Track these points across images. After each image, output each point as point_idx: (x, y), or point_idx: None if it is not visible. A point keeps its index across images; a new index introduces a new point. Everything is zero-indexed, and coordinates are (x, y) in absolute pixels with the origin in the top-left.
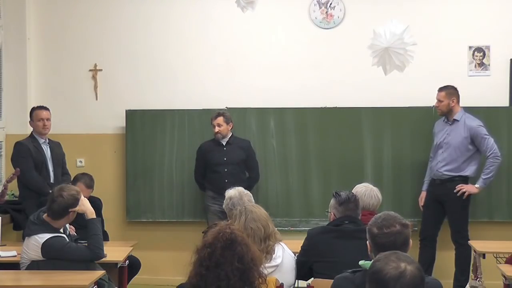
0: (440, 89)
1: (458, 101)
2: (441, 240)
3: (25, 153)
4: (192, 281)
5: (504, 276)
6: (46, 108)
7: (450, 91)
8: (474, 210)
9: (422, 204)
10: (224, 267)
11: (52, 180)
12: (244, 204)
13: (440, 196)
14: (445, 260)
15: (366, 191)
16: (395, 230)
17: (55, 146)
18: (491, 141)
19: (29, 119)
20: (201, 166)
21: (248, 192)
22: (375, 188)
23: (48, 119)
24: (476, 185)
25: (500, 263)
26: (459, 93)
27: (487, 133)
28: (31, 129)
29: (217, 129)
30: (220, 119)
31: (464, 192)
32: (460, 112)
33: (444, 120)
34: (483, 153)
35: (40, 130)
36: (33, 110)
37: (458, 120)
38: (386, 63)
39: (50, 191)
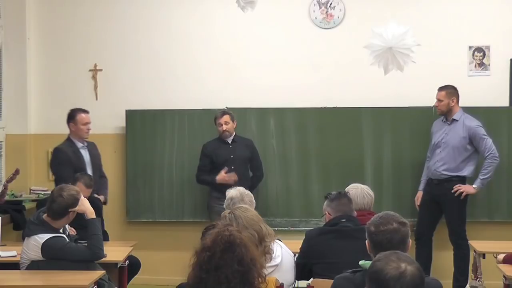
0: (440, 89)
1: (458, 101)
2: (439, 240)
3: (64, 160)
4: (191, 284)
5: (504, 276)
6: (88, 112)
7: (450, 91)
8: (473, 210)
9: (418, 203)
10: (224, 270)
11: None
12: (231, 209)
13: (438, 196)
14: (444, 260)
15: (357, 192)
16: (391, 228)
17: (92, 148)
18: (489, 141)
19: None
20: (206, 165)
21: (249, 193)
22: (364, 187)
23: (90, 123)
24: (474, 186)
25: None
26: (459, 93)
27: (485, 134)
28: (31, 129)
29: (224, 127)
30: (227, 117)
31: (462, 192)
32: (459, 112)
33: (442, 120)
34: (481, 154)
35: (83, 135)
36: (75, 113)
37: (457, 120)
38: (388, 63)
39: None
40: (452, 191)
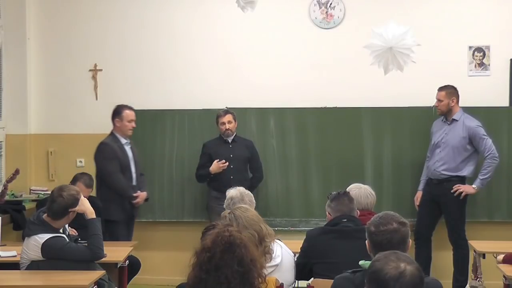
0: (440, 89)
1: (457, 101)
2: (439, 240)
3: (111, 155)
4: (191, 284)
5: (504, 276)
6: (133, 109)
7: (450, 91)
8: (473, 210)
9: (417, 203)
10: (224, 271)
11: (134, 182)
12: (231, 209)
13: (437, 196)
14: (443, 260)
15: (360, 192)
16: (391, 228)
17: (133, 146)
18: (489, 141)
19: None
20: (205, 163)
21: (249, 193)
22: (366, 187)
23: (135, 120)
24: (473, 186)
25: (496, 257)
26: (459, 93)
27: (485, 134)
28: (31, 129)
29: (227, 126)
30: (230, 117)
31: (461, 192)
32: (459, 112)
33: (442, 120)
34: (481, 154)
35: (127, 131)
36: (121, 109)
37: (457, 120)
38: (388, 63)
39: (134, 194)
40: (452, 191)
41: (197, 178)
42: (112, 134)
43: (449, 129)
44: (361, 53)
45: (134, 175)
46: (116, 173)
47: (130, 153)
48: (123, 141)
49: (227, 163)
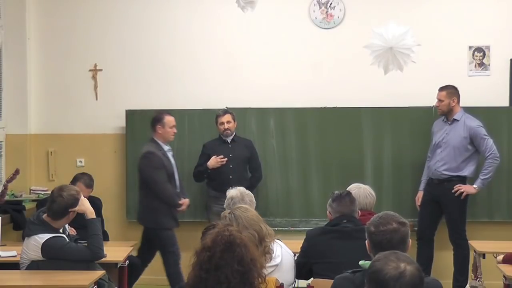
0: (441, 89)
1: (458, 101)
2: (439, 240)
3: (158, 164)
4: (191, 284)
5: (504, 276)
6: (171, 114)
7: (450, 91)
8: (474, 210)
9: (419, 204)
10: (224, 270)
11: (178, 189)
12: (231, 209)
13: (438, 196)
14: (444, 260)
15: (359, 192)
16: (391, 228)
17: (173, 153)
18: (490, 141)
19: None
20: (204, 162)
21: (250, 192)
22: (366, 187)
23: (175, 126)
24: (474, 186)
25: (496, 257)
26: (459, 93)
27: (486, 134)
28: (31, 129)
29: (226, 125)
30: (229, 117)
31: (462, 192)
32: (460, 112)
33: (443, 120)
34: (482, 154)
35: (170, 137)
36: (163, 116)
37: (458, 120)
38: (388, 63)
39: (179, 202)
40: (453, 191)
41: (194, 175)
42: (153, 141)
43: (450, 129)
44: (361, 53)
45: (178, 182)
46: (164, 183)
47: (172, 160)
48: (165, 147)
49: (226, 159)
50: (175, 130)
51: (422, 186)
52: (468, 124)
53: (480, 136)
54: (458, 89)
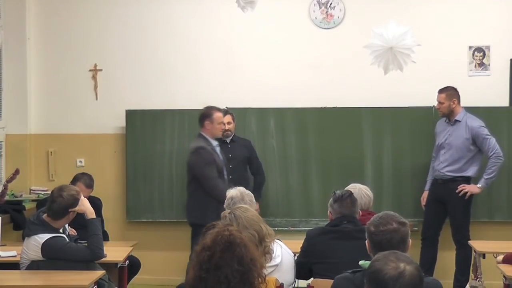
0: (440, 91)
1: (459, 102)
2: (441, 240)
3: (210, 159)
4: (191, 283)
5: (504, 276)
6: (221, 110)
7: (450, 93)
8: (474, 210)
9: (424, 203)
10: (224, 270)
11: (227, 186)
12: (231, 209)
13: (442, 196)
14: (446, 260)
15: (354, 192)
16: (391, 228)
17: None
18: (493, 141)
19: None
20: None
21: (250, 192)
22: (363, 187)
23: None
24: (478, 185)
25: (496, 257)
26: (459, 93)
27: (488, 134)
28: (31, 129)
29: (227, 126)
30: (229, 117)
31: (466, 192)
32: (461, 113)
33: (445, 121)
34: (485, 154)
35: (218, 133)
36: (212, 111)
37: (459, 121)
38: (388, 62)
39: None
40: (457, 191)
41: None
42: (202, 136)
43: (452, 130)
44: (361, 53)
45: (226, 178)
46: (216, 178)
47: (220, 156)
48: (214, 143)
49: None
50: (223, 126)
51: (427, 185)
52: (469, 125)
53: (482, 136)
54: (458, 89)
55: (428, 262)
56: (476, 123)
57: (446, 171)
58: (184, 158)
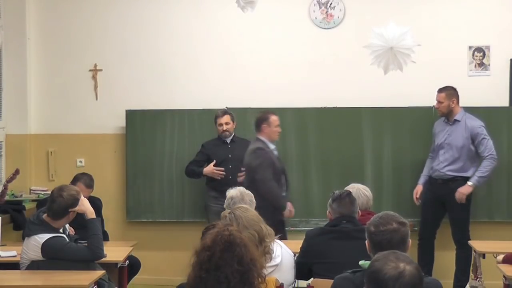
0: (440, 90)
1: (458, 102)
2: (441, 240)
3: (268, 161)
4: (191, 283)
5: (504, 276)
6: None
7: (449, 92)
8: (474, 210)
9: (417, 196)
10: (224, 270)
11: (283, 193)
12: (231, 209)
13: (442, 196)
14: (445, 260)
15: (352, 192)
16: (391, 228)
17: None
18: (490, 142)
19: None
20: (200, 161)
21: (250, 192)
22: (362, 186)
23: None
24: (469, 183)
25: (496, 257)
26: (459, 93)
27: (487, 134)
28: (31, 129)
29: (225, 127)
30: (227, 117)
31: (464, 197)
32: (461, 113)
33: (444, 121)
34: (481, 153)
35: (275, 137)
36: (269, 115)
37: (459, 121)
38: (389, 62)
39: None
40: (456, 197)
41: (187, 171)
42: (260, 140)
43: (451, 130)
44: (361, 53)
45: (284, 183)
46: (271, 180)
47: (277, 160)
48: (271, 146)
49: (224, 174)
50: (279, 129)
51: (421, 180)
52: (469, 125)
53: (481, 136)
54: (458, 89)
55: (426, 262)
56: (476, 123)
57: (447, 171)
58: (184, 158)
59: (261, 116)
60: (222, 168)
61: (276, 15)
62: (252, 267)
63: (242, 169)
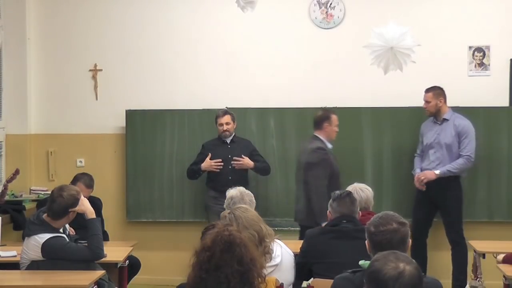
0: (427, 90)
1: (445, 101)
2: (435, 240)
3: (327, 161)
4: (191, 284)
5: (504, 276)
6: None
7: (437, 92)
8: (474, 210)
9: (422, 179)
10: (224, 270)
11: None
12: (231, 209)
13: (434, 195)
14: (441, 260)
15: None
16: (391, 228)
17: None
18: (472, 143)
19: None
20: (201, 161)
21: (250, 192)
22: (361, 185)
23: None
24: (436, 171)
25: (496, 257)
26: (459, 93)
27: (473, 136)
28: (31, 129)
29: (225, 127)
30: (228, 117)
31: (423, 180)
32: (449, 112)
33: (433, 120)
34: (460, 151)
35: (333, 136)
36: (330, 113)
37: (448, 120)
38: (389, 62)
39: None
40: (415, 182)
41: (188, 172)
42: (318, 138)
43: (440, 129)
44: (361, 53)
45: (340, 183)
46: (324, 179)
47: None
48: (329, 146)
49: (222, 165)
50: (337, 129)
51: (417, 170)
52: (457, 123)
53: (465, 135)
54: (458, 89)
55: (420, 262)
56: (464, 122)
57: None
58: (184, 158)
59: (322, 114)
60: (220, 160)
61: (276, 15)
62: (252, 267)
63: (243, 156)
